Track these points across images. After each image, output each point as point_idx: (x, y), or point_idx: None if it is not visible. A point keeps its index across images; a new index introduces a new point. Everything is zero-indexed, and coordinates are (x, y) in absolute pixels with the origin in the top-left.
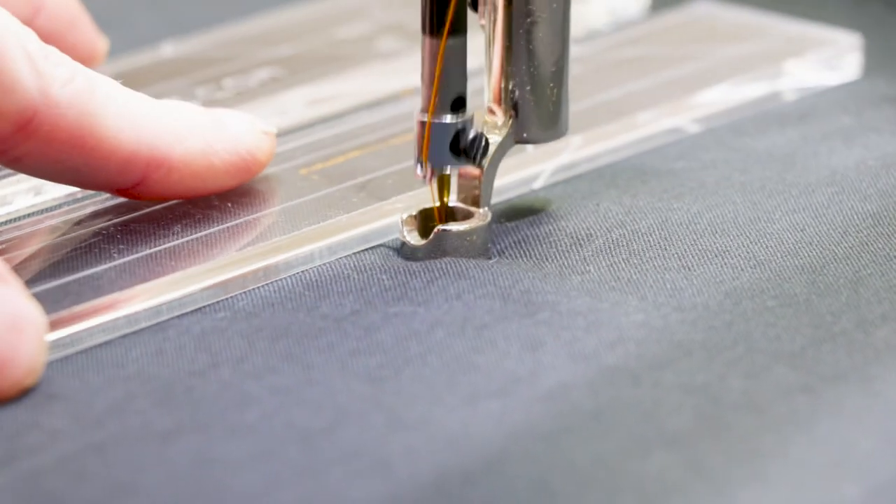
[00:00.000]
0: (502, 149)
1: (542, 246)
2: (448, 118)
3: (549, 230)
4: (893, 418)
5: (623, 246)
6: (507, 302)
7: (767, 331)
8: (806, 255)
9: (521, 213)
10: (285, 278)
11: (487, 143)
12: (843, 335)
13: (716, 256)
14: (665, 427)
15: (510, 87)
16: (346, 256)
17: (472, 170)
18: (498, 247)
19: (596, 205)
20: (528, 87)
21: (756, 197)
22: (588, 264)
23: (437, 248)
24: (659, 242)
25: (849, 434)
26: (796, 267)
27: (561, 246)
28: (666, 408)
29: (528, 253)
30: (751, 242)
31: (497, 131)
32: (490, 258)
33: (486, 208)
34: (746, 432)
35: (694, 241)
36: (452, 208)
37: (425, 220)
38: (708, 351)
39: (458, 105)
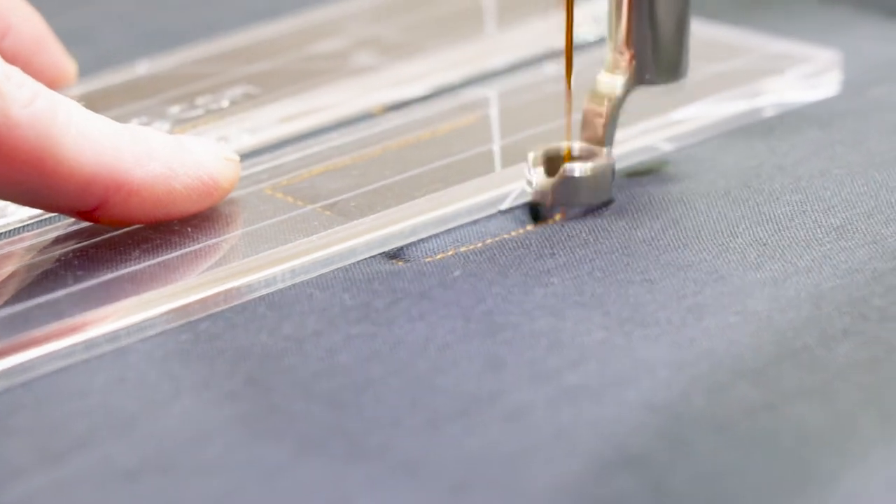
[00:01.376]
0: (625, 89)
1: (505, 261)
2: None
3: (515, 246)
4: (854, 435)
5: (587, 262)
6: (470, 322)
7: (730, 347)
8: (768, 268)
9: (488, 231)
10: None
11: None
12: (804, 351)
13: (679, 270)
14: (628, 447)
15: (633, 30)
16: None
17: (597, 107)
18: (463, 265)
19: (560, 225)
20: (650, 31)
21: (720, 210)
22: (552, 276)
23: (564, 188)
24: (622, 258)
25: (811, 452)
26: (758, 281)
27: (525, 262)
28: (629, 427)
29: (491, 270)
30: (713, 256)
31: (620, 73)
32: (613, 200)
33: (611, 148)
34: (710, 451)
35: (657, 255)
36: (575, 153)
37: (550, 162)
38: (671, 368)
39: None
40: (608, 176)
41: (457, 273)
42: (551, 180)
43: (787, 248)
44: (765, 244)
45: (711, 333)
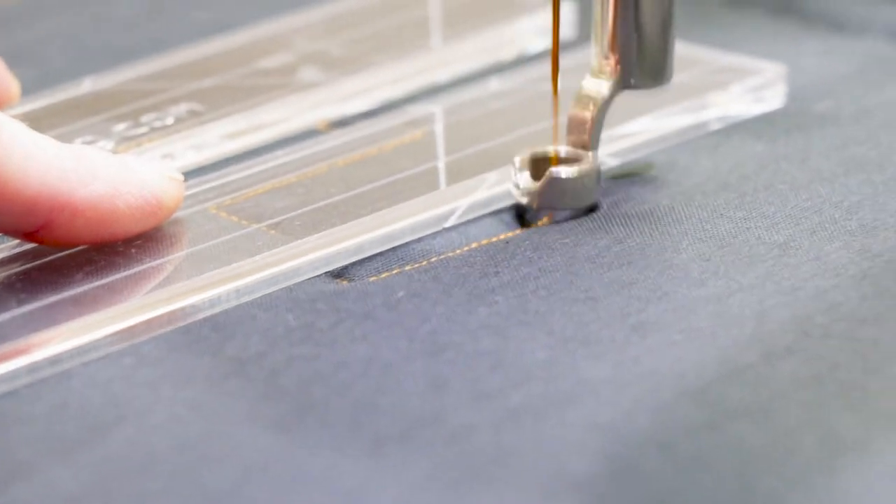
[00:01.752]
0: (611, 93)
1: (450, 280)
2: None
3: (459, 264)
4: (796, 455)
5: (531, 280)
6: (413, 342)
7: (674, 366)
8: (712, 285)
9: (433, 249)
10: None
11: None
12: (747, 369)
13: (623, 288)
14: (571, 467)
15: (618, 34)
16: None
17: (582, 112)
18: (407, 284)
19: (505, 242)
20: (636, 35)
21: (664, 226)
22: (496, 295)
23: (550, 192)
24: (566, 276)
25: (753, 472)
26: (702, 298)
27: (469, 280)
28: (572, 447)
29: (436, 289)
30: (657, 274)
31: (605, 77)
32: (598, 205)
33: (596, 152)
34: (653, 471)
35: (601, 273)
36: (561, 156)
37: (536, 166)
38: (615, 387)
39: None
40: (594, 179)
41: (401, 293)
42: (537, 184)
43: (730, 265)
44: (708, 260)
45: (655, 352)
